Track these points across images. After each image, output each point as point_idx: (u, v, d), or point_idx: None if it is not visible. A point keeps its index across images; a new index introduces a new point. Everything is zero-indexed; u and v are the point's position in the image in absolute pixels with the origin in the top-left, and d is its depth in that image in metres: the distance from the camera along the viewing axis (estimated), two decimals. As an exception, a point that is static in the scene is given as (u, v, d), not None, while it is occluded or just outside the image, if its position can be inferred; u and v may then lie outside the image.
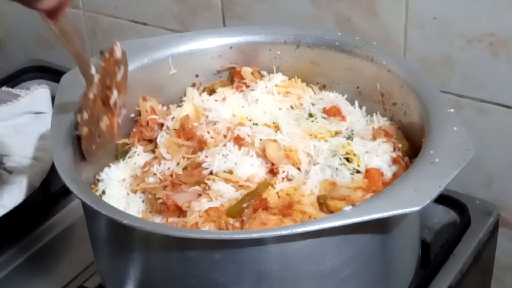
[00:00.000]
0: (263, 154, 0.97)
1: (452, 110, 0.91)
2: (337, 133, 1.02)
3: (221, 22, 1.37)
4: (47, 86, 1.37)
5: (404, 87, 1.00)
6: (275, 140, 0.98)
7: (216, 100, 1.07)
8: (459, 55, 1.14)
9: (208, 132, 1.00)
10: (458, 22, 1.11)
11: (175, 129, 1.02)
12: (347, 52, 1.07)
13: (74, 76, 1.04)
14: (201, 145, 0.99)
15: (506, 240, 1.23)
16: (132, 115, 1.07)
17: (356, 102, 1.08)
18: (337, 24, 1.23)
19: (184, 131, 1.01)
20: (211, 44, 1.12)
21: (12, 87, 1.43)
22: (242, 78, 1.11)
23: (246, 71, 1.11)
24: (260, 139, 0.98)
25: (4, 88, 1.39)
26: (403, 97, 1.01)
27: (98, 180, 1.00)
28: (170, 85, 1.11)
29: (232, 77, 1.13)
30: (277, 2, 1.29)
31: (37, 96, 1.34)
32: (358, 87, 1.08)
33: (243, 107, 1.06)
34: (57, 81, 1.05)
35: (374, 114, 1.06)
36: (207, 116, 1.03)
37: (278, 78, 1.11)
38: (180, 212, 0.91)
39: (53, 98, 1.30)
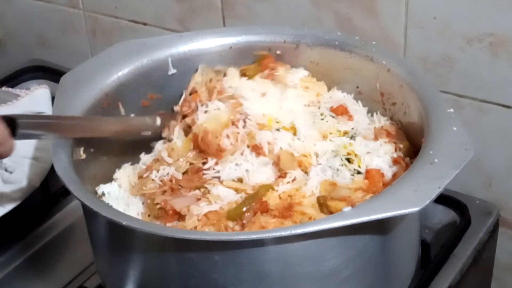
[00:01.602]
0: (277, 162, 0.96)
1: (452, 110, 0.91)
2: (345, 133, 1.02)
3: (221, 22, 1.37)
4: (47, 86, 1.37)
5: (404, 87, 1.00)
6: (292, 154, 0.96)
7: (254, 89, 1.05)
8: (459, 55, 1.14)
9: (228, 136, 0.98)
10: (458, 22, 1.11)
11: (194, 133, 1.00)
12: (347, 52, 1.07)
13: (74, 76, 1.05)
14: (218, 154, 0.97)
15: (506, 240, 1.22)
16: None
17: (359, 102, 1.07)
18: (337, 24, 1.23)
19: (203, 143, 0.98)
20: (211, 44, 1.12)
21: (12, 87, 1.42)
22: (273, 68, 1.09)
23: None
24: (280, 148, 0.97)
25: (4, 88, 1.39)
26: (403, 97, 1.01)
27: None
28: (170, 85, 1.10)
29: (261, 64, 1.10)
30: (277, 2, 1.28)
31: (37, 96, 1.33)
32: (358, 87, 1.08)
33: (280, 107, 1.04)
34: (57, 81, 1.05)
35: (375, 114, 1.05)
36: (240, 104, 1.02)
37: (301, 73, 1.09)
38: (179, 216, 0.91)
39: (53, 98, 1.30)
